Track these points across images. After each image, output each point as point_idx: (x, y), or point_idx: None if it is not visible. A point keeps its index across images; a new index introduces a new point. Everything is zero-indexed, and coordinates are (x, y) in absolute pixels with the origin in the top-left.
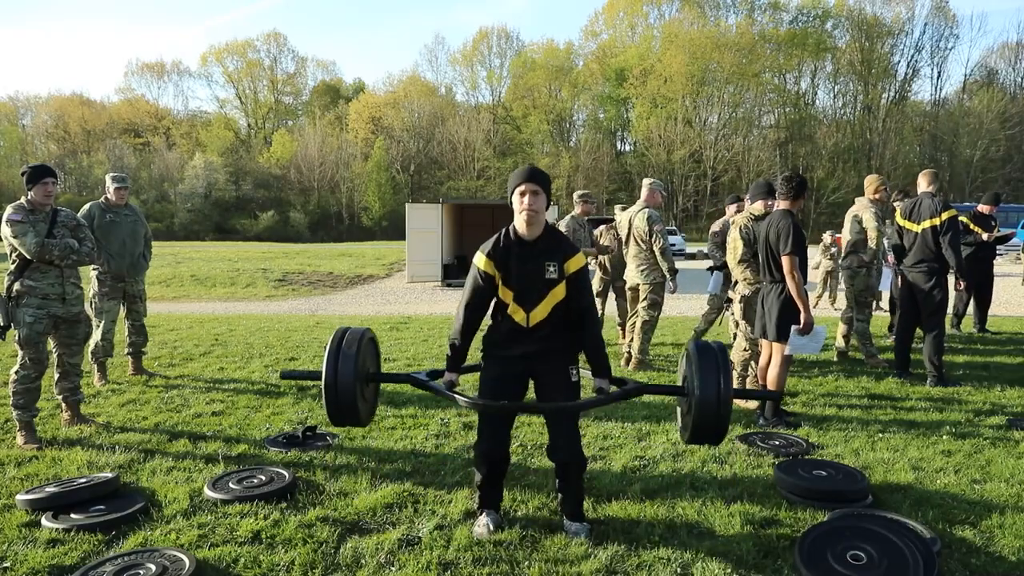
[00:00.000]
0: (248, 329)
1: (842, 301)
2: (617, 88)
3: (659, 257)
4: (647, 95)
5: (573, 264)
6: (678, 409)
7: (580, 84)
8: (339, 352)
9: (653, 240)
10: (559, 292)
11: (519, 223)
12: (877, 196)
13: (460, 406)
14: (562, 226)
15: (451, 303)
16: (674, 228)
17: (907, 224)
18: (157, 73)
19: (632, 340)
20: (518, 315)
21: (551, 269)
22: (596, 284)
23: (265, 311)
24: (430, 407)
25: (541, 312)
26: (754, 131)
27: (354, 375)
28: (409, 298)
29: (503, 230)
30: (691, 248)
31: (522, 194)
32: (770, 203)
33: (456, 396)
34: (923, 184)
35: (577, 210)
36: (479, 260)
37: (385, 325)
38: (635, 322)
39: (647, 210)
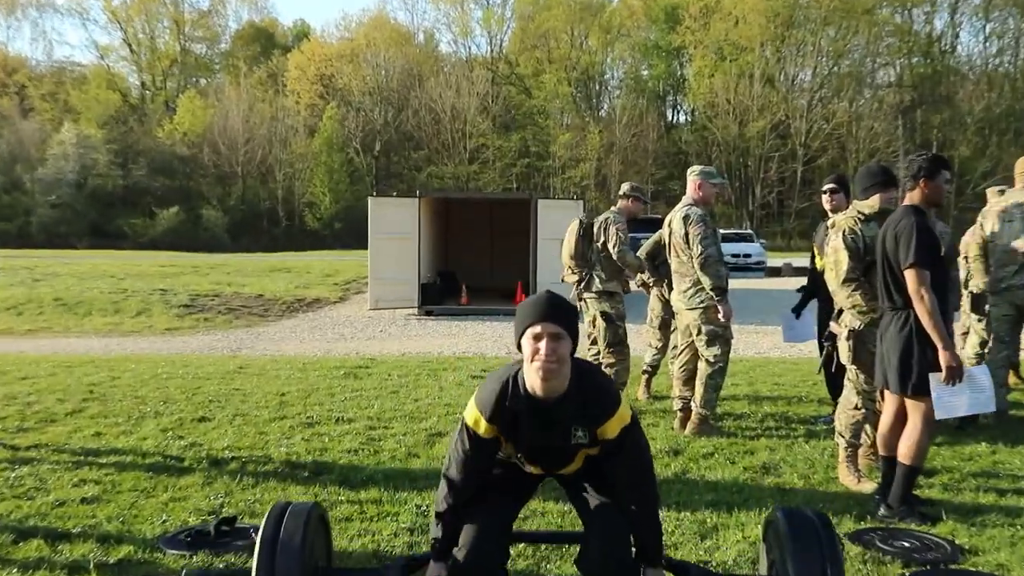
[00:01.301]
0: (138, 377)
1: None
2: (667, 34)
3: (698, 271)
4: (710, 43)
5: (611, 428)
6: None
7: (615, 28)
8: (275, 543)
9: (691, 248)
10: (591, 451)
11: (532, 379)
12: None
13: None
14: (601, 219)
15: (431, 339)
16: (749, 232)
17: None
18: (4, 6)
19: (680, 388)
20: (532, 468)
21: (580, 434)
22: (659, 310)
23: (165, 350)
24: (400, 487)
25: (573, 469)
26: (865, 92)
27: None
28: (372, 331)
29: (508, 379)
30: (774, 259)
31: (536, 338)
32: (889, 195)
33: None
34: None
35: (621, 204)
36: (476, 422)
37: (337, 370)
38: (686, 365)
39: (687, 208)
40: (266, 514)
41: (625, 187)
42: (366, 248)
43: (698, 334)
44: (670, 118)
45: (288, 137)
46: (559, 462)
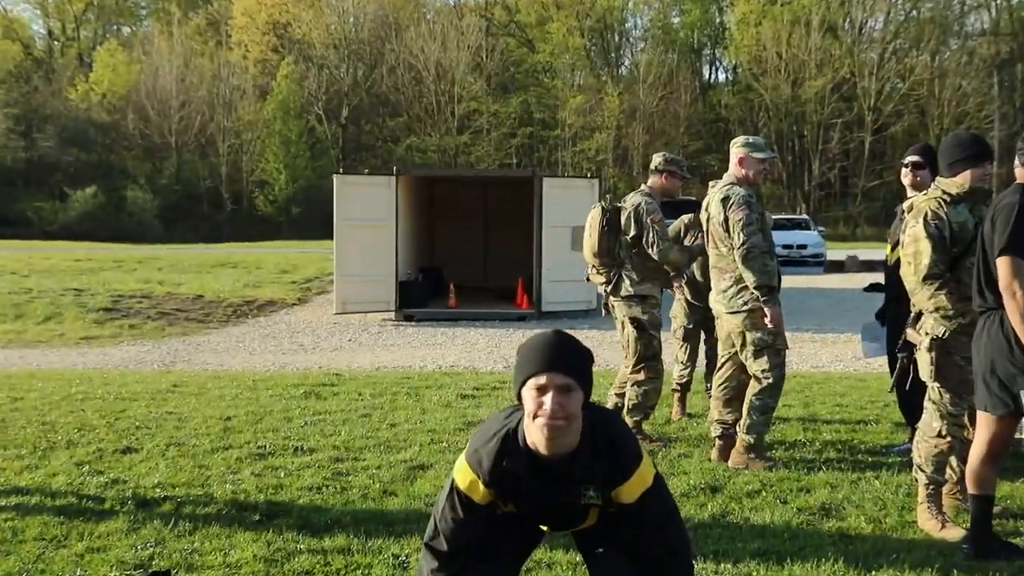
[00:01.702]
0: (47, 398)
1: None
2: None
3: (739, 266)
4: None
5: (629, 491)
6: None
7: None
8: None
9: (732, 237)
10: (606, 508)
11: (535, 437)
12: None
13: None
14: (629, 205)
15: (412, 350)
16: (804, 217)
17: None
18: None
19: (720, 410)
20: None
21: (591, 494)
22: (682, 318)
23: (80, 364)
24: (374, 533)
25: (588, 524)
26: (951, 43)
27: None
28: (339, 341)
29: (508, 433)
30: (836, 250)
31: (540, 391)
32: (982, 172)
33: None
34: None
35: (653, 182)
36: (470, 487)
37: (296, 389)
38: (727, 382)
39: (727, 188)
40: None
41: (657, 159)
42: (331, 238)
43: (743, 344)
44: (707, 77)
45: (234, 100)
46: (568, 520)
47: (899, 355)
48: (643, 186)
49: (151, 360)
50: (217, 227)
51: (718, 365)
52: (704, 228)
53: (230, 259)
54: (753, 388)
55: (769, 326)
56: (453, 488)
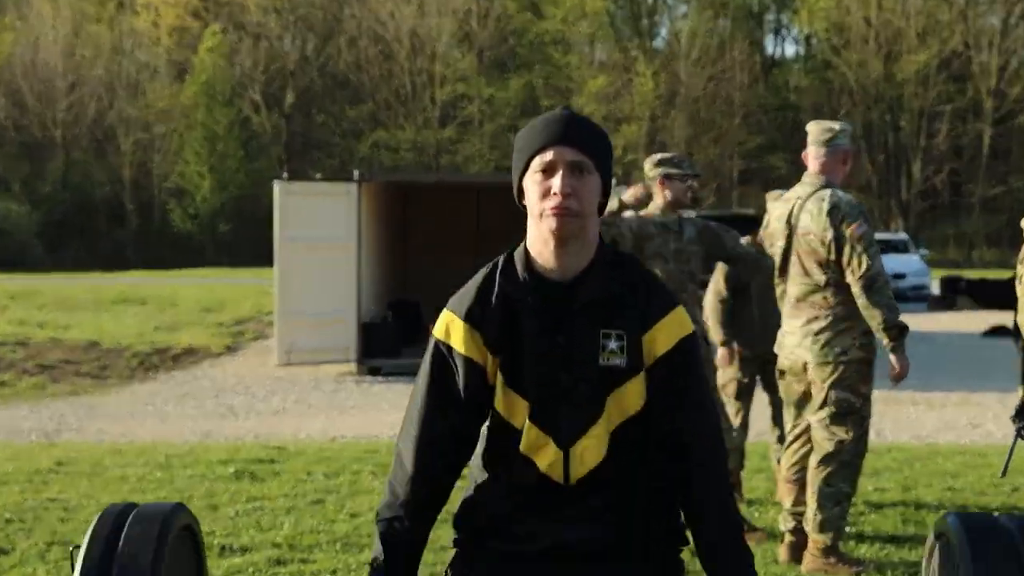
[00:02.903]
0: None
1: None
2: None
3: (861, 299)
4: None
5: (665, 334)
6: None
7: None
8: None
9: (848, 260)
10: (631, 397)
11: (541, 238)
12: None
13: None
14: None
15: (378, 414)
16: (902, 236)
17: None
18: None
19: (795, 496)
20: (543, 456)
21: (612, 346)
22: (732, 370)
23: None
24: None
25: (593, 448)
26: None
27: None
28: (282, 401)
29: (499, 261)
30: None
31: (546, 171)
32: None
33: None
34: None
35: (629, 194)
36: (448, 331)
37: (224, 467)
38: (803, 461)
39: (827, 193)
40: (91, 525)
41: (651, 162)
42: (270, 265)
43: (823, 404)
44: (770, 51)
45: (141, 81)
46: (575, 411)
47: (1015, 424)
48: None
49: (27, 429)
50: (119, 249)
51: (790, 436)
52: (782, 245)
53: (136, 293)
54: (821, 471)
55: (890, 379)
56: (431, 345)
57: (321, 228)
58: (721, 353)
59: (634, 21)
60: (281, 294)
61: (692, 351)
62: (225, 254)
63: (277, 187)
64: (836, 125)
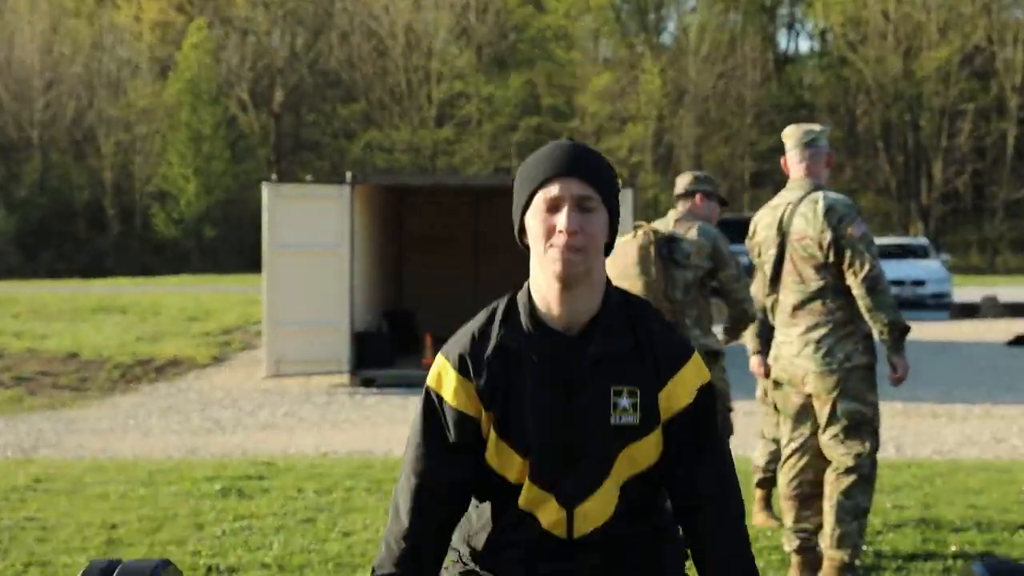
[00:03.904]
0: None
1: None
2: None
3: (865, 300)
4: None
5: (683, 388)
6: None
7: None
8: None
9: (850, 261)
10: (645, 453)
11: (545, 280)
12: None
13: None
14: (695, 233)
15: (373, 428)
16: (922, 241)
17: None
18: None
19: (797, 513)
20: (545, 514)
21: (624, 404)
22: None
23: None
24: None
25: (600, 507)
26: None
27: None
28: (271, 415)
29: (500, 307)
30: (967, 287)
31: (552, 206)
32: None
33: None
34: None
35: (684, 208)
36: (441, 380)
37: (210, 484)
38: (801, 475)
39: (820, 195)
40: None
41: (686, 179)
42: (258, 272)
43: (831, 417)
44: (783, 47)
45: (122, 79)
46: (581, 468)
47: None
48: (672, 211)
49: (3, 444)
50: (99, 256)
51: (787, 450)
52: (773, 253)
53: (117, 301)
54: (840, 483)
55: (896, 379)
56: (425, 393)
57: (312, 233)
58: (754, 362)
59: (640, 15)
60: (270, 302)
61: (710, 399)
62: (211, 260)
63: (266, 190)
64: (816, 127)
